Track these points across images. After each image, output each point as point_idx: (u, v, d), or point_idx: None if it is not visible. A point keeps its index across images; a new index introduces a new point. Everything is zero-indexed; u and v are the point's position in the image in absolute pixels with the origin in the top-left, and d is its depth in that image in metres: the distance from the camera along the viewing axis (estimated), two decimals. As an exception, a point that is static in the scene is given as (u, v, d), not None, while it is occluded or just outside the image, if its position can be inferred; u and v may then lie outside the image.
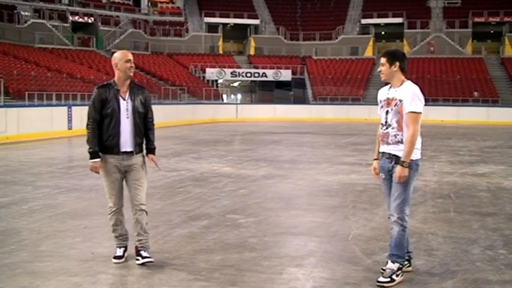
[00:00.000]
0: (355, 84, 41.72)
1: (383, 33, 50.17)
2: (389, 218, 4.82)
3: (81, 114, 22.89)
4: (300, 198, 8.58)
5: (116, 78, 5.07)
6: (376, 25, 48.92)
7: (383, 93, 4.85)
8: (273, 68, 43.16)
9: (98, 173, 5.07)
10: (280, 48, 48.24)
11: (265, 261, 5.18)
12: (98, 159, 5.01)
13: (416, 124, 4.52)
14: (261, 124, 31.72)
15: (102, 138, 5.00)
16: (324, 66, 45.51)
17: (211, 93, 39.09)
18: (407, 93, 4.58)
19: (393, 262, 4.63)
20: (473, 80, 40.71)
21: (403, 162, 4.51)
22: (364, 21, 49.30)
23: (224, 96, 43.48)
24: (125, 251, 5.19)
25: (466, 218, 7.19)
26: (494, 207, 7.98)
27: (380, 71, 4.78)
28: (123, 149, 5.00)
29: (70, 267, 4.96)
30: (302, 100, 42.25)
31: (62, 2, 44.00)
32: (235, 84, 46.65)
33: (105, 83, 5.13)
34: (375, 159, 4.95)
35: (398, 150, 4.61)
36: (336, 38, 48.33)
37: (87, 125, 5.00)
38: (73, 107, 23.10)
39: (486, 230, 6.52)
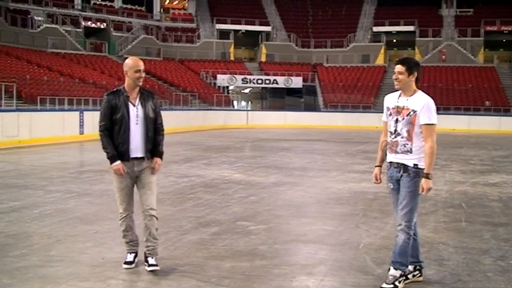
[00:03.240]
0: (366, 92, 41.65)
1: (394, 41, 50.13)
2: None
3: (93, 119, 22.99)
4: (310, 206, 8.56)
5: (125, 85, 5.08)
6: (387, 33, 48.89)
7: (391, 101, 4.79)
8: (284, 75, 43.19)
9: (121, 175, 5.01)
10: (291, 56, 48.28)
11: (276, 269, 5.17)
12: (119, 162, 4.98)
13: (433, 136, 4.53)
14: (272, 131, 31.72)
15: (115, 145, 5.02)
16: (335, 74, 45.49)
17: (222, 99, 39.19)
18: (423, 105, 4.55)
19: (396, 269, 4.65)
20: (485, 89, 40.53)
21: (428, 174, 4.49)
22: (375, 29, 49.29)
23: (235, 102, 43.54)
24: (135, 257, 5.19)
25: (477, 228, 7.13)
26: (506, 217, 7.92)
27: (396, 79, 4.68)
28: (133, 155, 5.00)
29: (80, 272, 4.98)
30: (313, 107, 42.22)
31: (74, 7, 44.41)
32: (246, 90, 46.72)
33: (114, 89, 5.14)
34: (376, 166, 4.94)
35: (407, 160, 4.60)
36: (347, 46, 48.32)
37: (100, 131, 5.01)
38: (85, 112, 23.23)
39: (498, 240, 6.47)
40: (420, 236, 6.45)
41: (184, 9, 52.17)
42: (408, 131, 4.58)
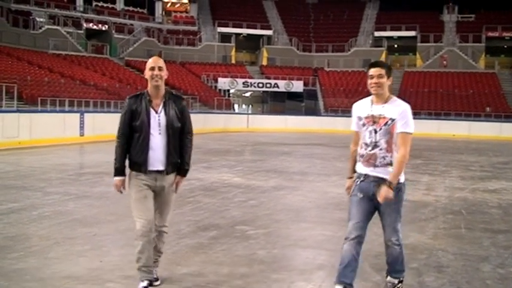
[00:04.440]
0: (366, 96, 41.49)
1: (396, 46, 50.17)
2: (345, 242, 4.42)
3: (93, 121, 23.07)
4: (309, 211, 8.55)
5: (148, 88, 4.58)
6: (389, 38, 48.94)
7: (363, 109, 4.40)
8: (285, 79, 43.21)
9: (120, 192, 4.59)
10: (292, 59, 48.31)
11: (274, 274, 5.15)
12: (121, 177, 4.55)
13: (408, 145, 4.22)
14: (272, 135, 31.71)
15: (131, 153, 4.53)
16: (336, 78, 45.50)
17: (222, 102, 39.22)
18: (401, 112, 4.25)
19: (393, 277, 4.63)
20: (485, 95, 40.54)
21: (390, 183, 4.16)
22: (377, 33, 49.31)
23: (236, 106, 43.57)
24: (149, 285, 4.58)
25: (477, 234, 7.12)
26: (505, 224, 7.90)
27: (376, 83, 4.28)
28: (151, 168, 4.47)
29: (78, 275, 4.96)
30: (313, 111, 42.23)
31: (76, 9, 44.46)
32: (247, 94, 46.75)
33: (137, 92, 4.62)
34: (349, 178, 4.56)
35: (387, 173, 4.23)
36: (349, 50, 48.35)
37: (116, 137, 4.54)
38: (85, 114, 23.24)
39: (497, 247, 6.45)
40: (419, 243, 6.47)
41: (186, 12, 52.22)
42: (387, 142, 4.24)
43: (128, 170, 4.58)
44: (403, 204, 4.42)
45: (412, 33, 48.52)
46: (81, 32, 42.59)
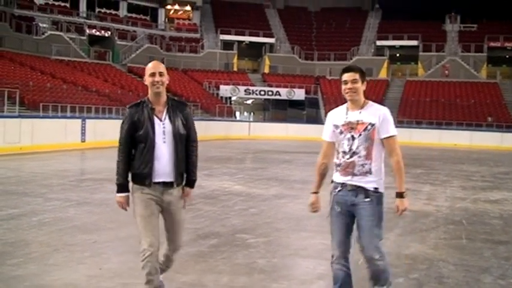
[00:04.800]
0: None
1: (398, 55, 50.27)
2: (332, 262, 4.34)
3: (94, 127, 23.09)
4: (310, 220, 8.51)
5: (148, 95, 4.24)
6: (391, 47, 49.04)
7: (339, 117, 4.16)
8: (287, 87, 43.26)
9: (124, 209, 4.24)
10: (294, 68, 48.37)
11: (274, 284, 5.13)
12: (125, 194, 4.17)
13: (398, 149, 4.05)
14: (273, 143, 31.71)
15: (134, 165, 4.17)
16: (338, 87, 44.48)
17: (224, 110, 39.25)
18: (381, 116, 4.03)
19: (381, 285, 4.24)
20: (487, 105, 40.53)
21: (401, 194, 4.05)
22: (379, 42, 49.43)
23: (237, 113, 43.61)
24: None
25: (478, 245, 7.09)
26: (506, 235, 7.87)
27: (351, 89, 4.06)
28: (159, 179, 4.10)
29: (78, 282, 4.95)
30: (315, 120, 42.17)
31: (79, 15, 44.62)
32: (249, 101, 46.79)
33: (138, 101, 4.27)
34: (313, 193, 4.29)
35: (367, 182, 4.01)
36: (351, 59, 48.38)
37: (118, 151, 4.19)
38: (87, 120, 23.27)
39: (498, 258, 6.42)
40: (420, 253, 6.44)
41: (189, 20, 52.37)
42: (367, 149, 4.01)
43: (130, 184, 4.26)
44: (383, 217, 4.07)
45: (414, 43, 48.63)
46: (84, 38, 42.71)
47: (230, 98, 43.44)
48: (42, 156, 17.81)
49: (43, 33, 39.43)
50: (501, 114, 38.94)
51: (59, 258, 5.74)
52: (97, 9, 46.61)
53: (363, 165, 4.01)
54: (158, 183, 4.12)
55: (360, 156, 4.01)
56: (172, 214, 4.22)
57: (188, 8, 52.11)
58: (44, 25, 40.34)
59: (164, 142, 4.13)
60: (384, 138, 4.02)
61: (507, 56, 47.95)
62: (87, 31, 43.64)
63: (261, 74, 48.39)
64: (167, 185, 4.15)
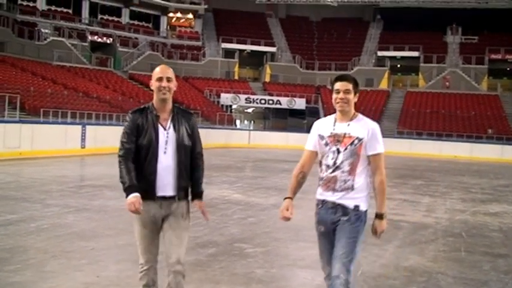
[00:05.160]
0: (369, 115, 39.16)
1: (399, 66, 50.32)
2: (325, 277, 3.98)
3: (95, 133, 23.09)
4: (309, 230, 8.43)
5: (153, 101, 3.96)
6: (392, 58, 49.13)
7: (326, 127, 3.91)
8: (288, 96, 43.31)
9: (139, 212, 3.72)
10: (295, 77, 48.44)
11: (272, 294, 5.11)
12: (136, 194, 3.71)
13: (383, 168, 3.81)
14: (273, 151, 31.70)
15: (137, 180, 3.79)
16: (338, 97, 45.46)
17: (224, 118, 39.27)
18: (370, 132, 3.80)
19: None
20: (488, 117, 40.56)
21: (381, 215, 3.78)
22: (380, 53, 49.54)
23: (237, 121, 43.63)
24: None
25: (477, 258, 7.06)
26: (506, 248, 7.85)
27: (343, 99, 3.86)
28: (160, 193, 3.82)
29: (74, 290, 4.92)
30: (315, 129, 42.19)
31: (82, 21, 44.72)
32: (249, 110, 46.82)
33: (141, 106, 3.99)
34: (287, 198, 3.98)
35: (347, 199, 3.75)
36: (352, 69, 48.44)
37: (118, 156, 3.83)
38: (87, 126, 23.28)
39: (498, 272, 6.39)
40: (419, 265, 6.42)
41: (191, 28, 52.50)
42: (352, 164, 3.75)
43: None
44: (362, 236, 3.76)
45: (415, 54, 48.72)
46: (86, 44, 42.79)
47: (231, 106, 43.48)
48: (42, 161, 17.80)
49: (45, 39, 39.50)
50: (501, 127, 38.95)
51: (56, 265, 5.71)
52: (99, 16, 46.74)
53: (345, 180, 3.76)
54: (160, 197, 3.82)
55: (343, 172, 3.76)
56: (170, 225, 3.87)
57: (190, 16, 52.26)
58: (46, 31, 40.42)
59: (165, 153, 3.83)
60: (371, 155, 3.78)
61: (508, 69, 48.02)
62: (89, 37, 43.72)
63: (261, 83, 48.45)
64: (168, 199, 3.85)
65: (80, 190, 11.76)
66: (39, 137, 20.18)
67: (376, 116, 41.47)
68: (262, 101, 43.33)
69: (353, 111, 3.91)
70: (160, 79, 3.88)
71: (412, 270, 6.19)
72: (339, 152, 3.77)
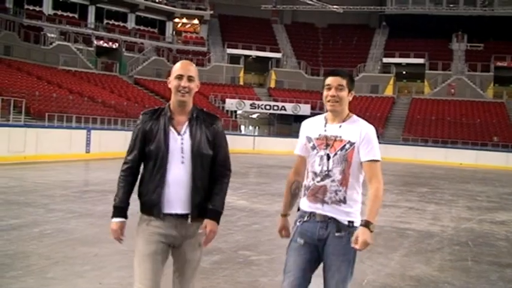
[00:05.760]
0: (374, 122, 40.84)
1: (404, 72, 50.28)
2: None
3: (99, 138, 23.07)
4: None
5: (171, 101, 3.36)
6: (397, 64, 49.11)
7: (315, 128, 3.42)
8: (293, 102, 43.28)
9: (118, 240, 3.33)
10: (300, 83, 48.43)
11: (276, 303, 5.04)
12: (120, 220, 3.28)
13: (380, 176, 3.29)
14: (278, 157, 31.63)
15: (141, 189, 3.31)
16: (344, 103, 45.46)
17: (229, 123, 39.22)
18: (363, 135, 3.30)
19: None
20: (493, 125, 40.44)
21: (368, 223, 3.14)
22: (385, 60, 49.52)
23: (242, 127, 43.61)
24: None
25: (484, 268, 6.98)
26: (513, 258, 7.76)
27: (334, 97, 3.32)
28: (170, 210, 3.20)
29: (76, 297, 4.87)
30: (320, 135, 42.13)
31: (87, 26, 44.82)
32: (254, 116, 46.80)
33: (156, 107, 3.41)
34: (282, 216, 3.63)
35: (340, 214, 3.26)
36: (357, 75, 48.37)
37: (122, 164, 3.38)
38: (92, 131, 23.25)
39: (505, 282, 6.31)
40: (425, 274, 6.34)
41: (197, 33, 52.60)
42: (343, 172, 3.27)
43: (137, 212, 3.40)
44: (355, 256, 3.31)
45: (420, 61, 48.70)
46: (92, 49, 42.88)
47: (236, 111, 43.46)
48: (46, 166, 17.79)
49: (51, 43, 39.60)
50: (507, 134, 38.80)
51: (59, 271, 5.65)
52: (105, 21, 46.87)
53: (336, 191, 3.26)
54: (170, 214, 3.20)
55: (333, 181, 3.26)
56: (182, 253, 3.28)
57: (196, 21, 52.37)
58: (52, 35, 40.53)
59: (182, 162, 3.21)
60: (365, 161, 3.27)
61: (514, 76, 47.98)
62: (95, 42, 43.83)
63: (267, 89, 48.46)
64: (181, 217, 3.23)
65: (84, 195, 11.72)
66: (43, 142, 20.15)
67: (381, 123, 41.46)
68: (267, 107, 43.31)
69: (347, 111, 3.39)
70: (180, 77, 3.26)
71: (418, 279, 6.11)
72: (328, 157, 3.29)
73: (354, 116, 3.40)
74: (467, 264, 7.12)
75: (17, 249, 6.51)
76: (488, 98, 45.55)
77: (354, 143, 3.27)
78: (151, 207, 3.22)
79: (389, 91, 47.67)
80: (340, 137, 3.29)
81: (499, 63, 46.94)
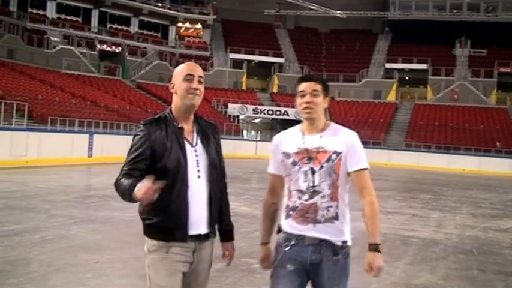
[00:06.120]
0: (376, 127, 41.54)
1: (407, 78, 50.22)
2: None
3: (102, 142, 23.03)
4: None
5: (173, 108, 2.99)
6: (400, 70, 49.07)
7: (292, 142, 3.10)
8: (295, 107, 42.84)
9: (153, 194, 2.57)
10: (303, 88, 48.33)
11: (280, 313, 4.95)
12: (147, 181, 2.58)
13: (371, 186, 3.05)
14: (280, 162, 31.50)
15: (155, 214, 2.85)
16: (346, 108, 45.49)
17: (231, 128, 39.22)
18: (349, 143, 3.03)
19: None
20: (496, 131, 40.33)
21: (377, 246, 2.96)
22: (388, 65, 49.48)
23: (244, 132, 43.56)
24: None
25: (489, 277, 6.90)
26: (519, 267, 7.68)
27: (309, 103, 3.03)
28: (193, 231, 2.89)
29: (77, 306, 4.80)
30: (322, 140, 42.05)
31: (91, 30, 44.89)
32: (257, 120, 46.77)
33: (156, 116, 3.01)
34: (263, 244, 3.28)
35: (333, 233, 2.97)
36: (360, 81, 48.43)
37: (115, 183, 2.87)
38: (94, 135, 23.23)
39: (511, 292, 6.24)
40: (430, 283, 6.26)
41: (199, 38, 52.64)
42: (332, 186, 2.97)
43: (147, 242, 2.94)
44: (349, 276, 3.07)
45: (423, 66, 48.65)
46: (95, 53, 42.93)
47: (238, 116, 43.45)
48: (48, 170, 17.74)
49: (54, 47, 39.64)
50: (510, 140, 38.64)
51: (60, 278, 5.59)
52: (108, 25, 46.94)
53: (327, 208, 2.97)
54: (191, 236, 2.90)
55: (323, 197, 2.96)
56: (197, 275, 3.03)
57: (199, 26, 52.43)
58: (55, 39, 40.58)
59: (199, 177, 2.90)
60: (353, 171, 3.01)
61: (517, 82, 47.90)
62: (98, 46, 43.87)
63: (269, 94, 48.45)
64: (202, 238, 2.95)
65: (86, 200, 11.66)
66: (46, 146, 20.12)
67: (383, 129, 41.43)
68: (270, 112, 43.28)
69: (323, 119, 3.10)
70: (190, 78, 2.93)
71: (424, 289, 6.04)
72: (313, 172, 2.98)
73: (333, 124, 3.12)
74: (472, 273, 7.04)
75: (18, 255, 6.45)
76: (491, 104, 45.47)
77: (340, 153, 2.99)
78: (174, 230, 2.83)
79: (392, 97, 47.63)
80: (323, 147, 3.00)
81: (502, 69, 46.86)
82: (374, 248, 2.96)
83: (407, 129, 42.04)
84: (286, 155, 3.07)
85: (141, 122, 2.94)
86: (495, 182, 26.79)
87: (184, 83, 2.91)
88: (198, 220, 2.89)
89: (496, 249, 8.87)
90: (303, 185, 2.99)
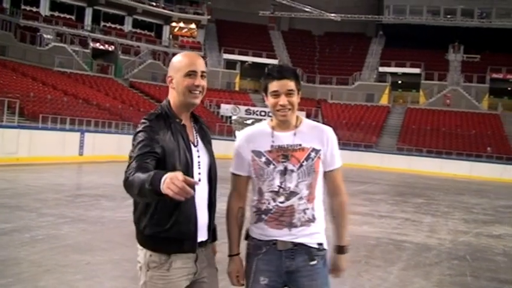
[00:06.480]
0: (369, 130, 41.60)
1: (400, 82, 50.33)
2: None
3: (93, 141, 22.90)
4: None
5: (171, 102, 2.71)
6: (393, 74, 49.16)
7: (261, 140, 2.81)
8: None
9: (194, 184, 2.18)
10: (296, 90, 48.34)
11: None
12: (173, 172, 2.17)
13: (343, 183, 2.89)
14: (272, 164, 31.46)
15: (156, 222, 2.53)
16: (339, 111, 45.51)
17: (224, 129, 39.14)
18: (329, 140, 2.81)
19: None
20: (488, 136, 40.46)
21: (344, 248, 2.88)
22: (381, 69, 49.56)
23: (237, 132, 43.48)
24: None
25: (483, 284, 6.86)
26: (512, 273, 7.65)
27: (284, 106, 2.75)
28: (199, 239, 2.63)
29: (68, 308, 4.72)
30: (315, 143, 42.04)
31: (84, 28, 44.65)
32: (249, 121, 46.68)
33: (157, 110, 2.68)
34: (234, 256, 2.83)
35: (309, 236, 2.75)
36: (353, 84, 48.48)
37: (125, 180, 2.32)
38: (86, 133, 23.08)
39: (505, 299, 6.21)
40: (424, 290, 6.22)
41: (193, 38, 52.52)
42: (310, 186, 2.74)
43: (143, 254, 2.60)
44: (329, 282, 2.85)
45: (416, 71, 48.76)
46: (88, 51, 42.70)
47: (230, 117, 43.39)
48: (39, 168, 17.59)
49: (47, 45, 39.37)
50: (501, 146, 38.82)
51: (50, 279, 5.50)
52: (102, 23, 46.69)
53: (304, 211, 2.73)
54: (199, 243, 2.64)
55: (301, 198, 2.72)
56: (202, 283, 2.69)
57: (193, 26, 52.31)
58: (48, 36, 40.30)
59: (200, 180, 2.64)
60: (331, 170, 2.82)
61: (509, 88, 48.03)
62: (91, 44, 43.64)
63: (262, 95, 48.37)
64: (201, 245, 2.65)
65: (76, 199, 11.55)
66: (37, 143, 19.96)
67: (376, 132, 41.49)
68: (262, 113, 43.19)
69: (295, 114, 2.84)
70: (193, 74, 2.63)
71: (418, 295, 5.99)
72: (291, 171, 2.71)
73: (305, 119, 2.89)
74: (466, 280, 7.00)
75: (7, 255, 6.35)
76: (483, 109, 45.62)
77: (319, 150, 2.76)
78: (182, 240, 2.53)
79: (384, 100, 47.70)
80: (300, 145, 2.75)
81: (494, 75, 47.05)
82: (341, 250, 2.88)
83: (400, 133, 42.12)
84: (257, 153, 2.79)
85: (145, 117, 2.63)
86: (486, 187, 26.85)
87: (185, 79, 2.62)
88: (202, 226, 2.63)
89: (489, 255, 8.84)
90: (276, 186, 2.73)
